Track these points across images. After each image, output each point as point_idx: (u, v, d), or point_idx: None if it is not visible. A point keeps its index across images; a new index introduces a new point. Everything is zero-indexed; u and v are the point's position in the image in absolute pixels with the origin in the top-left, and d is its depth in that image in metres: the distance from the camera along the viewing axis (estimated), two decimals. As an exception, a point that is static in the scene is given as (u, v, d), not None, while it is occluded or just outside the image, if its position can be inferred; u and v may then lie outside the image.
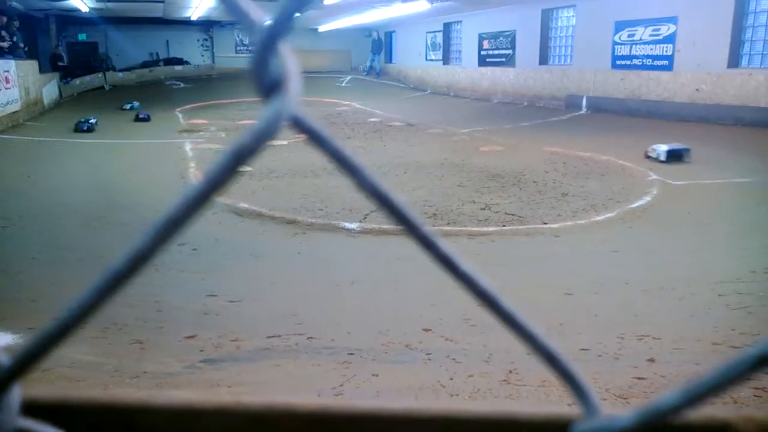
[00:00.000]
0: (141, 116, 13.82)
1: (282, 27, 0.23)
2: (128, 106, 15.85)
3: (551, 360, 0.30)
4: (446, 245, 0.29)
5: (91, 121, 11.91)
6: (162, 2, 17.61)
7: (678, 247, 5.19)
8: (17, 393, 0.28)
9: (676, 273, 4.50)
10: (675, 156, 8.43)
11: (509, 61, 18.58)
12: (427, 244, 0.28)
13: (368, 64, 27.51)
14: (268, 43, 0.23)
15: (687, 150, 8.56)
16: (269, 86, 0.24)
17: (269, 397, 0.34)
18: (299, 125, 0.25)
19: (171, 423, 0.35)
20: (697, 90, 12.34)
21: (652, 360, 3.14)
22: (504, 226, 5.73)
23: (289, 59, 0.24)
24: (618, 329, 3.54)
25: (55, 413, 0.33)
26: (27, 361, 0.26)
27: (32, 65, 14.73)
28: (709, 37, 11.93)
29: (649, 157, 8.59)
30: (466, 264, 0.29)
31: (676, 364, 3.13)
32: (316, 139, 0.26)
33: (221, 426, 0.34)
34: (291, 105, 0.24)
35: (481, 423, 0.33)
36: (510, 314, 0.30)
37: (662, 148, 8.53)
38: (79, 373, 2.91)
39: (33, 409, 0.31)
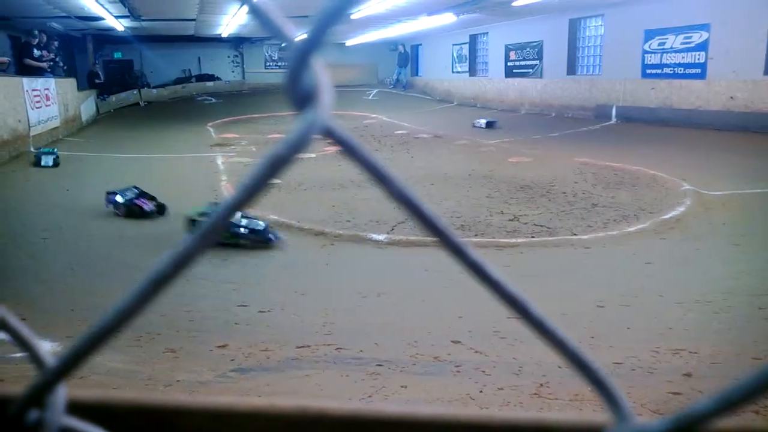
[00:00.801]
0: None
1: (315, 42, 0.24)
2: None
3: (581, 366, 0.30)
4: (476, 253, 0.29)
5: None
6: (194, 20, 17.96)
7: (713, 258, 5.08)
8: (63, 393, 0.30)
9: (712, 285, 4.40)
10: (491, 125, 14.70)
11: (536, 71, 18.48)
12: (458, 251, 0.28)
13: (395, 77, 27.64)
14: (302, 57, 0.24)
15: (496, 121, 15.01)
16: (302, 99, 0.25)
17: (302, 400, 0.35)
18: (332, 136, 0.26)
19: (208, 425, 0.35)
20: (731, 98, 12.10)
21: (688, 375, 3.07)
22: (533, 237, 5.68)
23: (322, 73, 0.25)
24: (652, 342, 3.47)
25: (97, 414, 0.34)
26: (72, 361, 0.27)
27: (71, 83, 15.16)
28: (743, 44, 11.70)
29: (474, 126, 14.46)
30: (495, 271, 0.30)
31: (715, 380, 3.05)
32: (348, 149, 0.27)
33: (255, 428, 0.35)
34: (323, 116, 0.25)
35: (509, 430, 0.33)
36: (539, 320, 0.31)
37: (482, 120, 14.89)
38: (114, 381, 2.96)
39: (76, 409, 0.32)
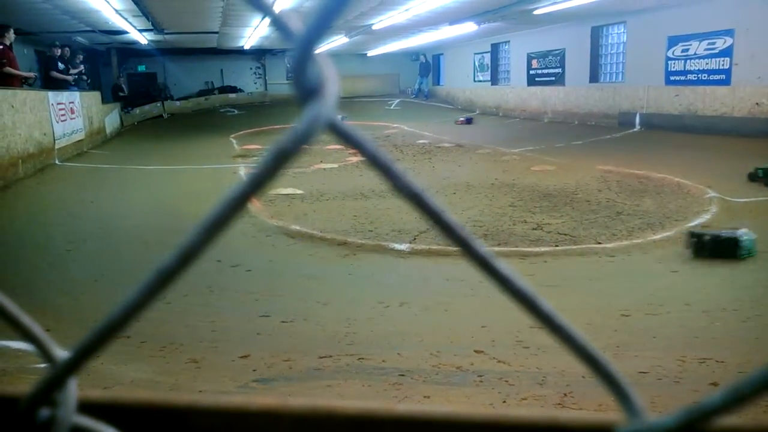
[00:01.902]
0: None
1: (317, 33, 0.24)
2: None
3: (591, 361, 0.30)
4: (483, 247, 0.29)
5: None
6: (216, 33, 18.23)
7: (740, 266, 4.99)
8: (74, 391, 0.30)
9: (738, 294, 4.32)
10: (468, 121, 18.79)
11: (559, 79, 18.39)
12: (464, 246, 0.28)
13: (416, 86, 27.73)
14: (305, 49, 0.24)
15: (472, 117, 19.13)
16: (308, 91, 0.25)
17: (313, 399, 0.35)
18: (336, 129, 0.26)
19: (220, 424, 0.36)
20: (757, 104, 11.91)
21: (715, 384, 3.01)
22: (557, 246, 5.63)
23: (327, 65, 0.25)
24: (678, 352, 3.41)
25: (108, 414, 0.34)
26: (82, 355, 0.27)
27: (95, 96, 15.45)
28: (768, 50, 11.54)
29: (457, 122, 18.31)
30: (503, 265, 0.30)
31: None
32: (352, 143, 0.27)
33: (268, 427, 0.35)
34: (329, 110, 0.25)
35: (523, 428, 0.33)
36: (549, 315, 0.30)
37: (462, 117, 18.89)
38: (138, 391, 2.99)
39: (87, 408, 0.32)
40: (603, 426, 0.32)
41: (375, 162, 0.27)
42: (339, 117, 0.25)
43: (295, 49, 0.24)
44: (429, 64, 27.55)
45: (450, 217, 0.28)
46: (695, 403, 0.25)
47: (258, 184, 0.25)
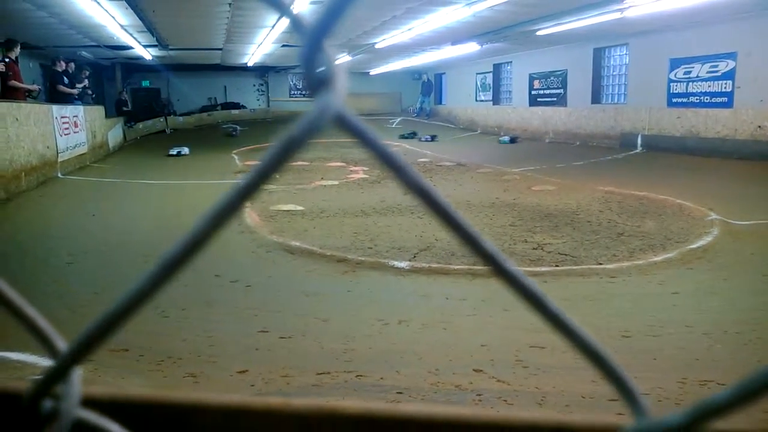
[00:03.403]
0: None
1: (326, 26, 0.24)
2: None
3: (598, 360, 0.30)
4: (490, 244, 0.29)
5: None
6: (220, 50, 18.37)
7: (742, 289, 4.97)
8: (78, 385, 0.30)
9: (740, 316, 4.30)
10: (433, 138, 19.55)
11: (561, 100, 18.49)
12: (472, 243, 0.28)
13: (418, 105, 27.87)
14: (315, 41, 0.24)
15: (436, 135, 19.99)
16: (317, 82, 0.25)
17: (316, 400, 0.35)
18: (344, 122, 0.26)
19: (223, 422, 0.35)
20: (759, 127, 11.96)
21: (716, 406, 2.99)
22: (557, 266, 5.62)
23: (335, 59, 0.25)
24: (679, 373, 3.39)
25: (111, 410, 0.34)
26: (84, 346, 0.27)
27: (99, 110, 15.54)
28: (771, 73, 11.61)
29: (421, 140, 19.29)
30: (510, 263, 0.30)
31: (744, 413, 2.96)
32: (360, 137, 0.27)
33: (270, 426, 0.35)
34: (337, 101, 0.25)
35: (529, 429, 0.33)
36: (556, 314, 0.30)
37: (427, 135, 19.86)
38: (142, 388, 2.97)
39: (90, 404, 0.32)
40: (609, 428, 0.32)
41: (382, 157, 0.27)
42: (348, 110, 0.26)
43: (305, 42, 0.25)
44: (431, 83, 27.71)
45: (458, 215, 0.28)
46: (702, 400, 0.25)
47: (266, 172, 0.25)
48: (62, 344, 0.30)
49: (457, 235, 0.28)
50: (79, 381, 0.31)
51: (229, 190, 0.26)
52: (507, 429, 0.33)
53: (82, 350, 0.28)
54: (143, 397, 0.37)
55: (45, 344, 0.32)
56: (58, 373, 0.29)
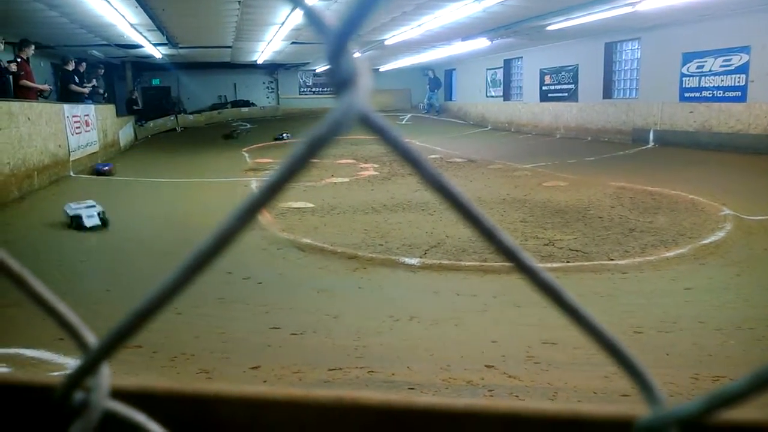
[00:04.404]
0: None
1: (352, 26, 0.25)
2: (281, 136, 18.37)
3: (614, 351, 0.30)
4: (508, 237, 0.29)
5: None
6: (230, 48, 18.42)
7: (754, 284, 4.94)
8: (107, 376, 0.31)
9: (753, 312, 4.27)
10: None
11: (572, 95, 18.39)
12: (490, 237, 0.29)
13: (426, 101, 27.72)
14: (339, 42, 0.25)
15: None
16: (341, 81, 0.26)
17: (338, 390, 0.35)
18: (368, 122, 0.27)
19: (246, 413, 0.36)
20: (772, 121, 11.85)
21: (729, 402, 2.97)
22: (568, 262, 5.61)
23: (359, 59, 0.26)
24: (691, 369, 3.38)
25: (137, 401, 0.35)
26: (115, 340, 0.28)
27: (110, 109, 15.64)
28: (785, 66, 11.49)
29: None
30: (529, 257, 0.30)
31: (756, 407, 2.95)
32: (383, 136, 0.28)
33: (292, 417, 0.35)
34: (362, 101, 0.26)
35: (544, 420, 0.33)
36: (573, 307, 0.31)
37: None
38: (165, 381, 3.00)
39: (117, 396, 0.33)
40: (624, 418, 0.32)
41: (404, 155, 0.28)
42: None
43: (330, 42, 0.25)
44: (438, 78, 27.54)
45: (478, 210, 0.28)
46: (716, 389, 0.25)
47: (293, 171, 0.26)
48: (92, 339, 0.31)
49: (476, 230, 0.29)
50: (108, 374, 0.32)
51: (257, 187, 0.27)
52: (524, 419, 0.34)
53: (112, 345, 0.29)
54: (168, 389, 0.38)
55: (75, 339, 0.33)
56: (90, 367, 0.30)
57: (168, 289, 0.27)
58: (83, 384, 0.32)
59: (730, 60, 12.74)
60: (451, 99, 28.38)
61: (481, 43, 16.65)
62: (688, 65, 13.89)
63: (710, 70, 13.29)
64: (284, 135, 18.98)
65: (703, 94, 13.55)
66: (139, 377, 3.22)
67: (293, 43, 17.37)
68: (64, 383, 0.32)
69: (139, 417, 0.33)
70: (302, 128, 18.04)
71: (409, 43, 16.95)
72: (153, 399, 0.37)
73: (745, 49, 12.34)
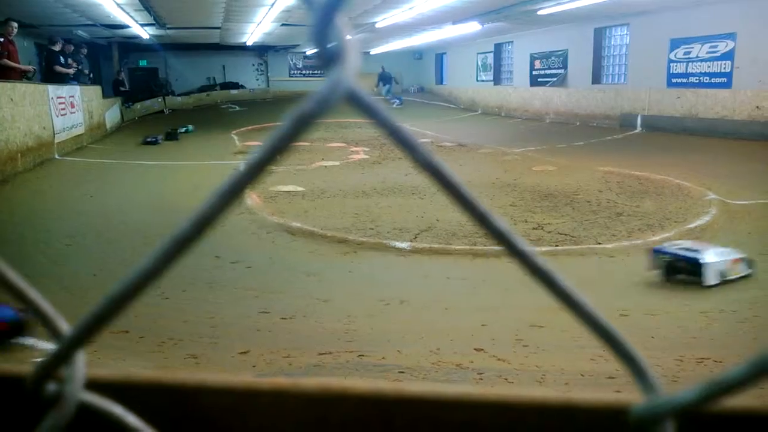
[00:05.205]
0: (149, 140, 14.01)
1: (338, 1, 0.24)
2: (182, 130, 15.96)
3: (608, 338, 0.30)
4: (502, 221, 0.29)
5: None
6: (219, 29, 18.21)
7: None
8: (82, 366, 0.29)
9: (737, 295, 4.32)
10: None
11: (561, 80, 18.39)
12: (483, 220, 0.28)
13: (383, 95, 26.11)
14: (326, 15, 0.24)
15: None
16: (329, 57, 0.25)
17: (324, 380, 0.34)
18: (355, 99, 0.26)
19: (231, 403, 0.35)
20: (757, 107, 11.93)
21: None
22: (557, 246, 5.63)
23: (346, 33, 0.25)
24: (676, 351, 3.41)
25: (115, 392, 0.34)
26: (90, 327, 0.27)
27: (96, 90, 15.42)
28: (770, 53, 11.55)
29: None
30: (522, 241, 0.29)
31: (753, 396, 2.98)
32: (371, 114, 0.27)
33: (278, 407, 0.35)
34: (349, 77, 0.24)
35: (537, 408, 0.33)
36: (566, 292, 0.30)
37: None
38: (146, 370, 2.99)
39: (94, 387, 0.32)
40: (618, 406, 0.32)
41: (394, 135, 0.27)
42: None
43: (316, 16, 0.24)
44: (389, 73, 26.01)
45: (470, 193, 0.27)
46: (714, 377, 0.25)
47: (276, 150, 0.24)
48: (65, 326, 0.30)
49: (469, 214, 0.28)
50: (83, 363, 0.30)
51: (238, 168, 0.25)
52: (515, 408, 0.33)
53: (86, 332, 0.28)
54: (148, 379, 0.37)
55: (48, 327, 0.32)
56: (62, 356, 0.29)
57: (145, 274, 0.26)
58: (57, 374, 0.31)
59: (716, 46, 12.78)
60: (441, 83, 28.29)
61: (472, 27, 16.58)
62: (675, 51, 13.92)
63: (697, 56, 13.33)
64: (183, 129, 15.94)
65: (690, 80, 13.60)
66: (125, 362, 3.21)
67: (283, 24, 17.20)
68: (35, 374, 0.31)
69: (116, 409, 0.32)
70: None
71: (400, 26, 16.85)
72: (132, 389, 0.36)
73: (731, 36, 12.39)
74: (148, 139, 13.94)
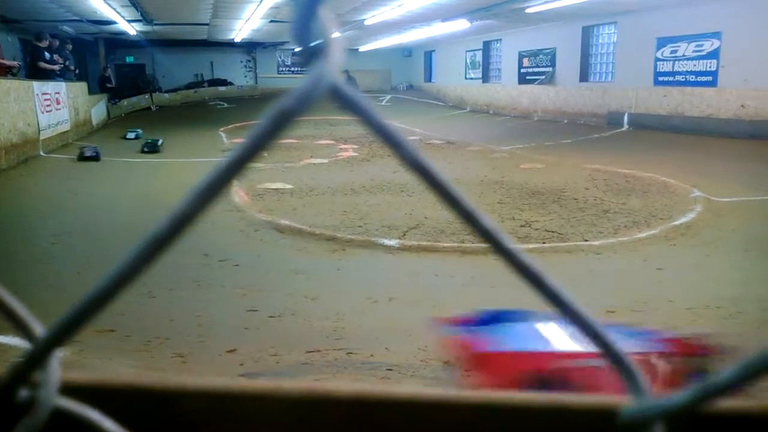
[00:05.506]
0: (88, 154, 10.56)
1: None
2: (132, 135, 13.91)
3: (596, 339, 0.29)
4: (488, 219, 0.28)
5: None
6: (207, 25, 18.09)
7: (723, 264, 5.03)
8: (57, 370, 0.28)
9: (722, 291, 4.35)
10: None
11: (549, 78, 18.45)
12: (469, 219, 0.27)
13: None
14: (308, 8, 0.23)
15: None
16: (311, 51, 0.24)
17: (308, 383, 0.34)
18: (338, 95, 0.25)
19: (212, 407, 0.34)
20: (742, 106, 12.04)
21: (700, 381, 3.03)
22: (544, 243, 5.65)
23: (329, 27, 0.24)
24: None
25: (92, 396, 0.33)
26: (65, 329, 0.26)
27: (82, 87, 15.24)
28: (755, 52, 11.66)
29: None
30: (508, 239, 0.29)
31: (746, 392, 3.01)
32: (355, 110, 0.26)
33: (261, 410, 0.34)
34: (331, 72, 0.24)
35: (526, 410, 0.32)
36: (555, 292, 0.29)
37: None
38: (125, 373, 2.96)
39: (70, 391, 0.31)
40: (606, 407, 0.31)
41: (379, 131, 0.26)
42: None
43: (298, 9, 0.23)
44: (353, 78, 26.01)
45: (457, 191, 0.27)
46: (704, 380, 0.24)
47: (256, 146, 0.24)
48: (39, 328, 0.29)
49: (455, 212, 0.27)
50: (58, 367, 0.29)
51: (218, 164, 0.25)
52: (503, 409, 0.33)
53: (61, 334, 0.27)
54: (127, 383, 0.36)
55: (20, 328, 0.31)
56: (35, 360, 0.28)
57: (122, 275, 0.25)
58: (30, 378, 0.30)
59: (702, 45, 12.89)
60: (430, 80, 28.30)
61: (461, 24, 16.59)
62: (662, 50, 14.02)
63: (683, 55, 13.43)
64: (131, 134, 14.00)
65: (676, 79, 13.71)
66: (111, 361, 3.18)
67: (272, 21, 17.12)
68: (7, 378, 0.29)
69: (93, 414, 0.31)
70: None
71: (389, 23, 16.83)
72: (109, 393, 0.35)
73: (716, 35, 12.49)
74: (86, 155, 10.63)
